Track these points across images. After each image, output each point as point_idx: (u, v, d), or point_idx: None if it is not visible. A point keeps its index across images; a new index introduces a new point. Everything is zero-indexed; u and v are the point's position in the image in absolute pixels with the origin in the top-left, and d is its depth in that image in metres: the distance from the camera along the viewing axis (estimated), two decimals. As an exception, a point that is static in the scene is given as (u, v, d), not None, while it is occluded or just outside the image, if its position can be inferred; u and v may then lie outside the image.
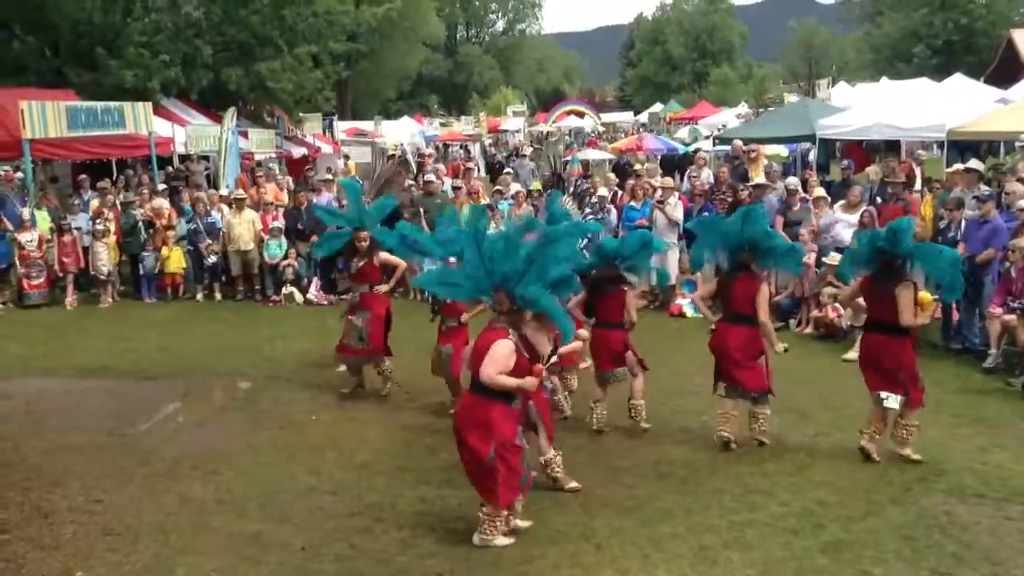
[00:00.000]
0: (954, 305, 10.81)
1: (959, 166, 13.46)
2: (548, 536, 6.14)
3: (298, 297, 14.67)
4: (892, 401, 7.19)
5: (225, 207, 15.47)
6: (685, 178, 16.62)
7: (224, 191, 16.83)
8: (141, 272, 15.16)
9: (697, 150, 21.79)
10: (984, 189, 11.48)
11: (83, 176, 17.26)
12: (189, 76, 23.69)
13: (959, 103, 18.22)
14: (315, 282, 14.76)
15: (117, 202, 15.58)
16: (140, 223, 15.10)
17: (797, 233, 12.18)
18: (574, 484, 6.87)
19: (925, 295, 7.18)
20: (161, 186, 17.32)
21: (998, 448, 7.59)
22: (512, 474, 5.84)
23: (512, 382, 5.73)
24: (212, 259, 14.97)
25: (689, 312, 12.77)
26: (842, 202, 12.84)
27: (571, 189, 11.19)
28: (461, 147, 42.19)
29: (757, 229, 7.65)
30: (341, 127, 35.77)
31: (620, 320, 8.10)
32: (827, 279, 11.46)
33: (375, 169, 13.17)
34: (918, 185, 15.93)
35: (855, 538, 6.01)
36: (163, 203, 15.60)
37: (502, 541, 6.01)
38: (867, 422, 7.36)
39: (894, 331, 7.14)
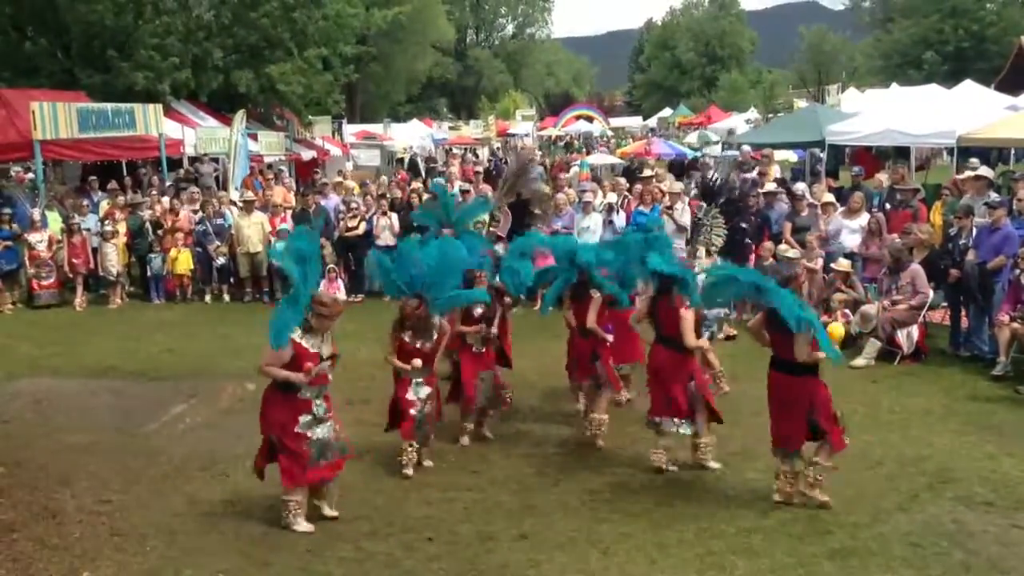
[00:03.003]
0: (963, 312, 10.78)
1: (969, 173, 13.43)
2: (555, 541, 6.14)
3: (306, 299, 14.67)
4: (791, 459, 6.63)
5: (234, 208, 15.53)
6: (693, 183, 16.61)
7: (234, 193, 16.89)
8: (149, 274, 15.21)
9: (704, 155, 21.80)
10: (994, 196, 11.45)
11: (92, 177, 17.32)
12: (199, 78, 23.80)
13: (969, 110, 18.19)
14: (323, 284, 14.76)
15: (126, 203, 15.64)
16: (147, 224, 15.14)
17: (805, 239, 12.15)
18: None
19: (837, 327, 6.68)
20: (194, 190, 17.10)
21: (1007, 456, 7.55)
22: (294, 458, 6.21)
23: (281, 374, 6.14)
24: (220, 261, 15.00)
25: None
26: (842, 208, 12.82)
27: (722, 198, 10.19)
28: (470, 151, 42.27)
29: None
30: (350, 130, 35.82)
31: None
32: (835, 285, 11.44)
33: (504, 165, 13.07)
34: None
35: (862, 545, 5.99)
36: (176, 204, 15.64)
37: (302, 527, 6.32)
38: (779, 474, 6.72)
39: (798, 370, 6.48)
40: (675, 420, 7.23)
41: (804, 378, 6.50)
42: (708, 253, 9.57)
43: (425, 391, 7.39)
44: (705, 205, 10.37)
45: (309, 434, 6.27)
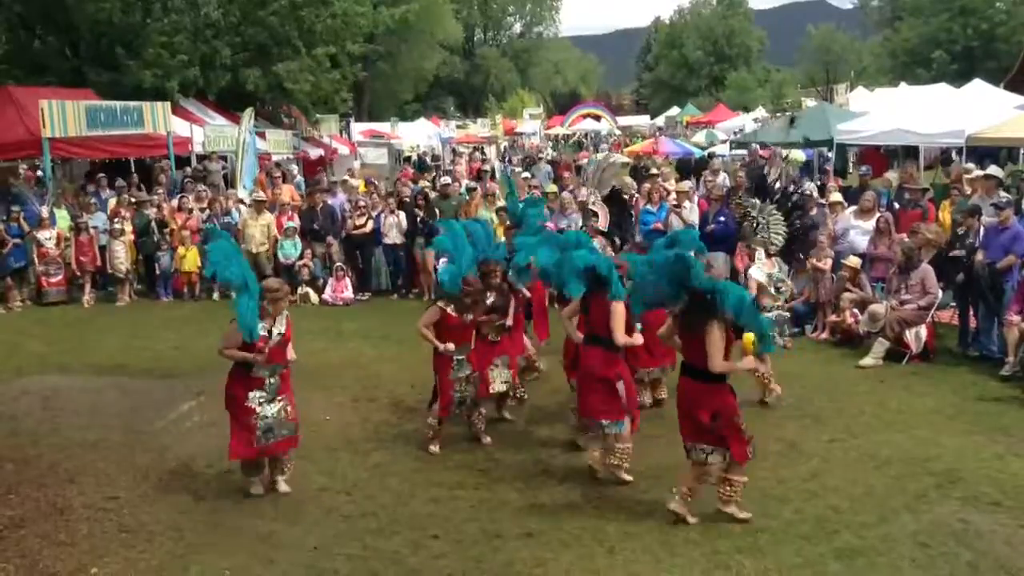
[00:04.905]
0: (972, 312, 10.75)
1: (978, 172, 13.38)
2: (561, 540, 6.14)
3: (313, 297, 14.72)
4: (699, 453, 6.29)
5: (242, 207, 15.56)
6: (701, 182, 16.59)
7: (242, 191, 16.91)
8: (157, 271, 15.24)
9: (712, 154, 21.74)
10: (1003, 196, 11.41)
11: (100, 175, 17.35)
12: (207, 76, 23.89)
13: (978, 109, 18.17)
14: (330, 282, 14.81)
15: (132, 201, 15.64)
16: (152, 222, 15.17)
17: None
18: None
19: (750, 338, 6.15)
20: (202, 188, 16.69)
21: (1015, 456, 7.51)
22: (241, 430, 6.74)
23: (238, 355, 6.68)
24: (228, 259, 14.99)
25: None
26: (853, 208, 12.74)
27: (778, 194, 9.39)
28: (477, 149, 42.30)
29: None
30: (358, 128, 35.84)
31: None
32: (844, 284, 11.41)
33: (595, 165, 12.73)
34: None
35: (869, 545, 5.97)
36: (185, 202, 15.67)
37: (256, 489, 6.90)
38: (681, 480, 6.44)
39: (706, 377, 6.15)
40: (601, 422, 7.00)
41: (712, 385, 6.19)
42: (768, 254, 9.13)
43: (466, 370, 7.77)
44: (759, 202, 9.65)
45: (257, 409, 6.72)
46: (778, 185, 9.53)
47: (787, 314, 9.10)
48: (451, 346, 7.61)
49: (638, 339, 6.98)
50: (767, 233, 9.11)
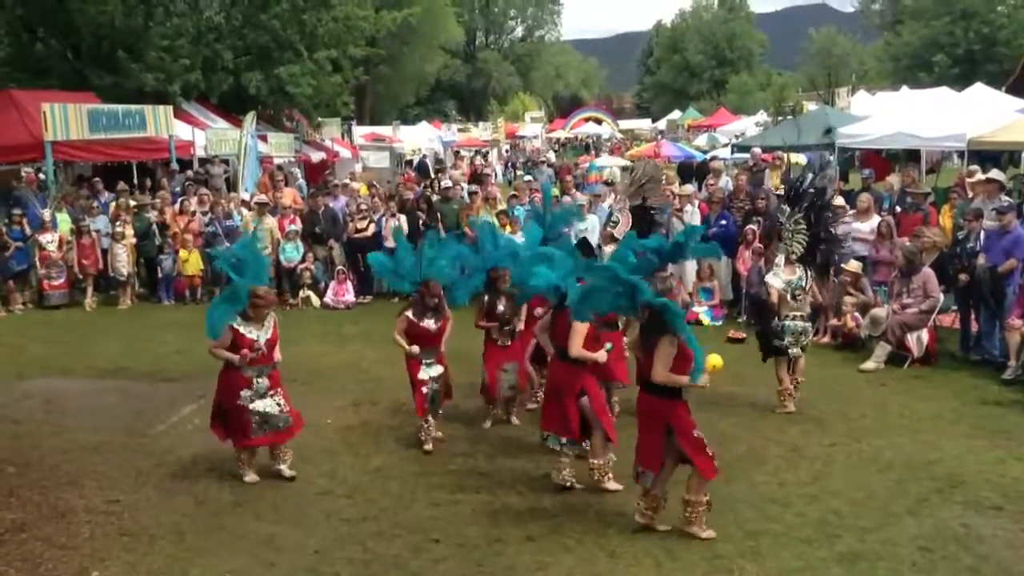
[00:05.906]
0: (974, 316, 10.74)
1: (980, 176, 13.37)
2: (562, 544, 6.13)
3: (315, 301, 14.72)
4: (646, 479, 6.20)
5: (245, 210, 15.57)
6: (703, 186, 16.58)
7: (244, 195, 16.92)
8: (160, 275, 15.25)
9: (713, 157, 21.71)
10: (1005, 199, 11.40)
11: (95, 179, 17.36)
12: (209, 80, 23.90)
13: (980, 113, 18.13)
14: (332, 285, 14.81)
15: (127, 204, 15.63)
16: (154, 226, 15.18)
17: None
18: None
19: (715, 359, 6.10)
20: (204, 191, 16.48)
21: (1016, 460, 7.51)
22: (237, 424, 7.16)
23: (223, 355, 7.10)
24: (230, 262, 14.98)
25: (706, 320, 12.75)
26: (851, 211, 12.69)
27: (806, 203, 9.20)
28: (479, 153, 42.35)
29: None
30: (359, 132, 35.87)
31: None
32: (846, 288, 11.40)
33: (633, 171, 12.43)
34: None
35: (870, 549, 5.97)
36: (187, 205, 15.68)
37: (250, 478, 7.24)
38: (642, 497, 6.32)
39: (657, 391, 6.08)
40: (560, 439, 6.93)
41: (665, 400, 6.07)
42: (788, 261, 9.08)
43: (435, 371, 7.97)
44: (788, 209, 9.38)
45: (250, 406, 7.13)
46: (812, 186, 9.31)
47: (805, 324, 8.96)
48: (415, 349, 7.87)
49: (600, 356, 6.91)
50: (791, 241, 9.03)
